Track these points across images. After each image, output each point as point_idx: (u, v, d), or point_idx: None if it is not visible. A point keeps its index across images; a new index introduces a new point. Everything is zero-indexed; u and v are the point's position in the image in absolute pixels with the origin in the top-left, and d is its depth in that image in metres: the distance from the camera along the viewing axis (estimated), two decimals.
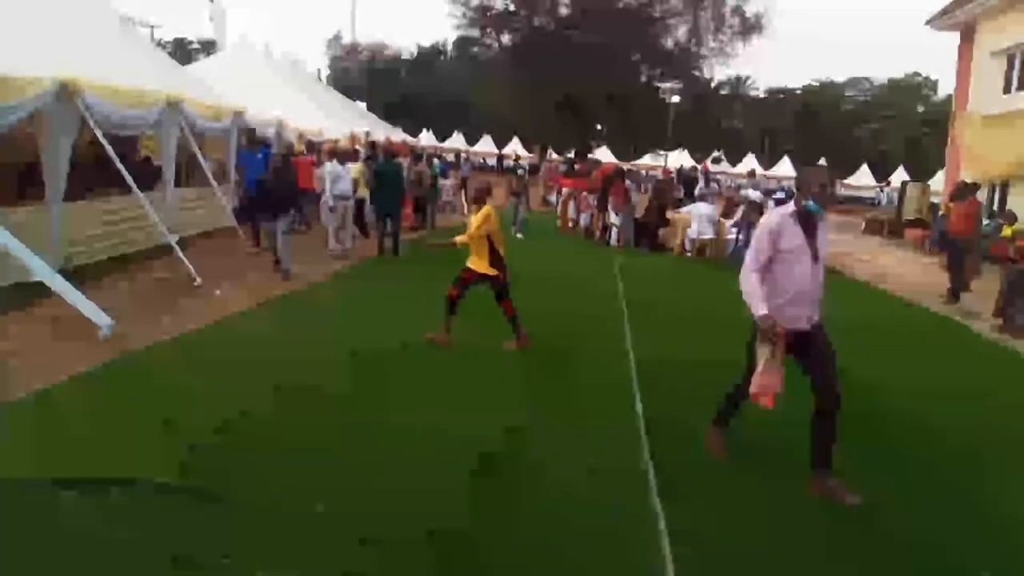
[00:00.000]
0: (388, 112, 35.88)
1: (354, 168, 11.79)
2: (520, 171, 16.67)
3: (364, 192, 11.99)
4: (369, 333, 6.69)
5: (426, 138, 44.75)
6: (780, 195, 14.98)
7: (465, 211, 15.05)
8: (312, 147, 13.90)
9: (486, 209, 6.38)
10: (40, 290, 6.38)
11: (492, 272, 6.37)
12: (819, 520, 3.72)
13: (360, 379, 5.41)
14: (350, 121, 20.82)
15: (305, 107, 17.53)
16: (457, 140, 49.18)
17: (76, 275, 7.21)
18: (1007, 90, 16.96)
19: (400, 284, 9.35)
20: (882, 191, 42.25)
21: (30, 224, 7.25)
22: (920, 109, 54.00)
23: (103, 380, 5.04)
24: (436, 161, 18.86)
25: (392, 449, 4.22)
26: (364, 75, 53.62)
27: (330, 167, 11.12)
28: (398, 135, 25.22)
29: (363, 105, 27.78)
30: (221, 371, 5.40)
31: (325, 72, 54.83)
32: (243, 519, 3.33)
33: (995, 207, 16.36)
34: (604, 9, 35.39)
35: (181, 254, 8.48)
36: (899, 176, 39.87)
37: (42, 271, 6.13)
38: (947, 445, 4.89)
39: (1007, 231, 13.46)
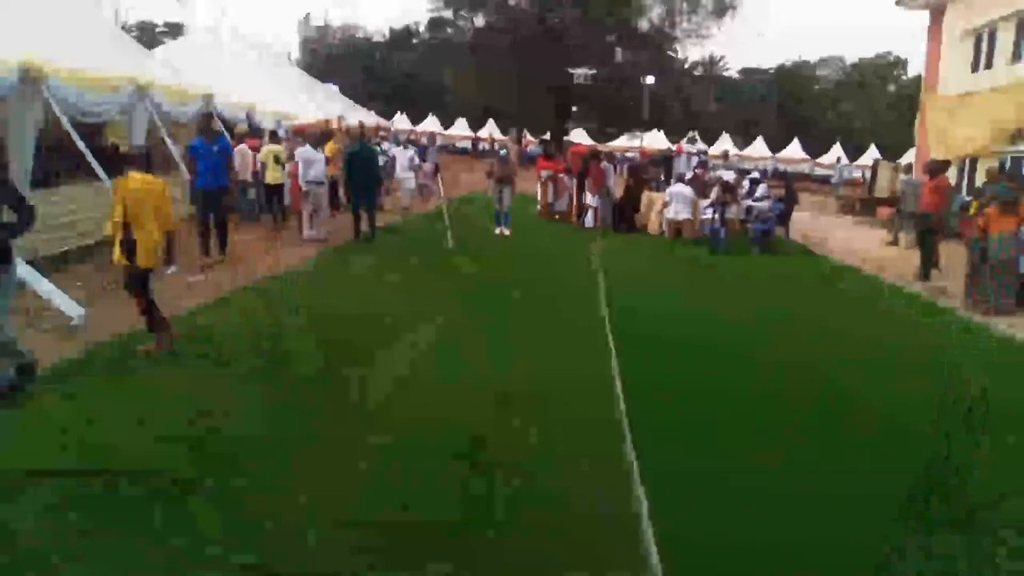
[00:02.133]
0: (360, 95, 35.36)
1: (328, 148, 11.69)
2: (503, 152, 15.86)
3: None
4: (347, 316, 6.65)
5: (400, 121, 44.27)
6: (755, 175, 15.09)
7: (442, 195, 14.91)
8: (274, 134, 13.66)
9: (124, 182, 5.32)
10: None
11: (123, 261, 5.27)
12: (812, 513, 3.69)
13: (342, 365, 5.38)
14: (322, 104, 20.55)
15: (276, 91, 17.24)
16: (432, 123, 48.70)
17: (45, 265, 7.06)
18: (975, 68, 17.21)
19: (373, 270, 9.30)
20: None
21: None
22: (891, 88, 54.57)
23: (75, 372, 4.96)
24: (384, 144, 18.58)
25: (375, 434, 4.22)
26: (336, 57, 52.84)
27: (301, 151, 11.00)
28: (371, 118, 24.95)
29: (335, 88, 27.38)
30: (195, 360, 5.33)
31: (296, 55, 53.90)
32: (224, 508, 3.31)
33: (964, 185, 16.65)
34: None
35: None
36: (871, 155, 40.33)
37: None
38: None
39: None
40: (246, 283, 7.98)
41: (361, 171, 11.09)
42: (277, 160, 11.77)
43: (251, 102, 14.40)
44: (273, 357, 5.43)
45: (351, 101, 27.42)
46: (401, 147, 17.76)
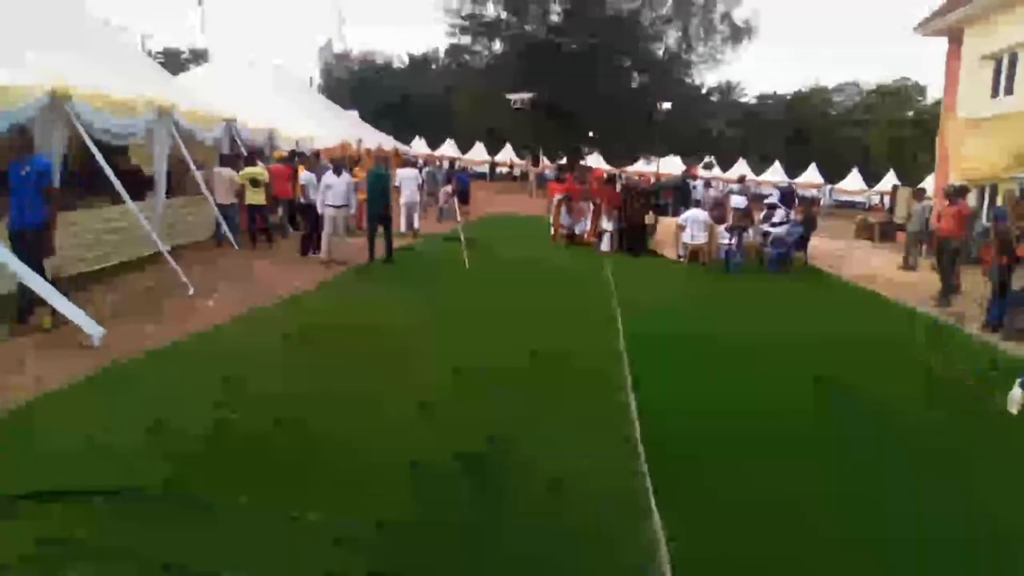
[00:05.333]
0: (380, 120, 35.82)
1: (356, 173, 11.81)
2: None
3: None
4: (358, 344, 6.67)
5: (418, 145, 44.77)
6: (773, 200, 15.05)
7: (458, 217, 15.03)
8: (294, 155, 13.87)
9: None
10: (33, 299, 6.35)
11: None
12: (820, 524, 3.71)
13: (353, 387, 5.39)
14: (341, 129, 20.82)
15: (296, 115, 17.52)
16: (450, 147, 49.19)
17: (67, 285, 7.16)
18: (995, 93, 17.10)
19: (386, 290, 9.34)
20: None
21: None
22: (909, 114, 54.35)
23: (92, 389, 5.00)
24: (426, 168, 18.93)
25: (378, 453, 4.20)
26: (356, 83, 53.67)
27: (324, 176, 11.15)
28: (389, 143, 25.23)
29: (355, 113, 27.79)
30: (210, 380, 5.35)
31: (317, 80, 54.80)
32: (231, 526, 3.30)
33: (984, 210, 16.47)
34: (594, 17, 35.54)
35: (173, 263, 8.45)
36: (889, 180, 40.13)
37: (33, 281, 6.07)
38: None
39: None
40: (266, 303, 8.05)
41: (377, 193, 11.38)
42: (255, 183, 11.94)
43: (271, 126, 14.67)
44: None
45: (370, 126, 27.77)
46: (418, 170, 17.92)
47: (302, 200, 12.30)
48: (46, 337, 6.11)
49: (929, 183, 21.52)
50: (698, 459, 4.43)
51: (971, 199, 14.01)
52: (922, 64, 72.54)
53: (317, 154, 12.80)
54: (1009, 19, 16.11)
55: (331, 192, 10.92)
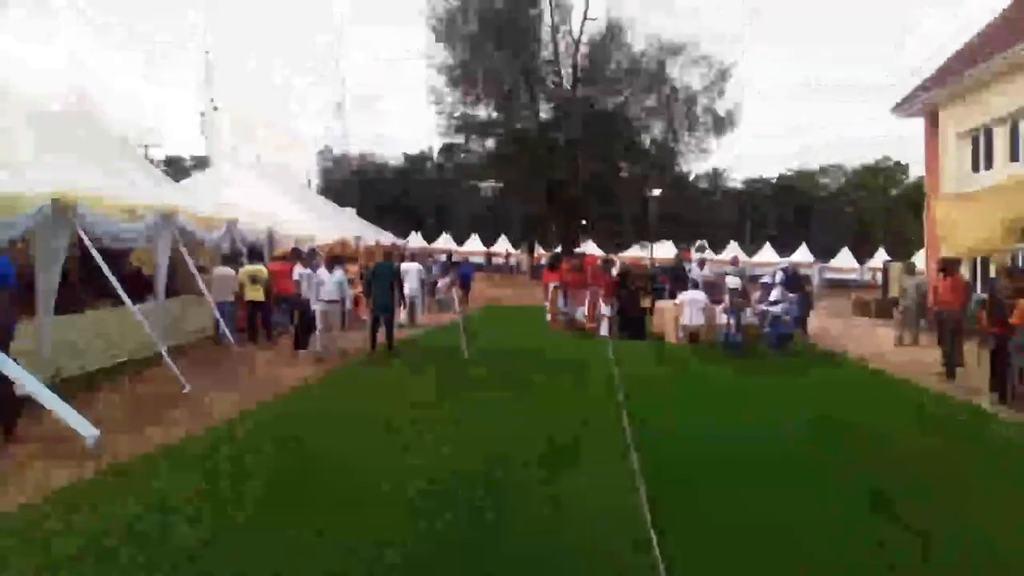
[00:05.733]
0: (378, 216, 36.65)
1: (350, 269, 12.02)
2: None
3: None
4: (361, 433, 6.54)
5: (415, 240, 45.57)
6: (767, 279, 15.16)
7: (456, 307, 15.08)
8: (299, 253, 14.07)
9: None
10: (31, 401, 6.26)
11: None
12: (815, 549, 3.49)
13: (354, 480, 5.24)
14: (340, 226, 21.23)
15: (295, 214, 17.91)
16: (445, 240, 50.07)
17: (66, 386, 7.10)
18: (975, 168, 17.61)
19: (384, 382, 9.25)
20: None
21: (21, 337, 7.17)
22: (894, 192, 55.81)
23: (88, 492, 4.86)
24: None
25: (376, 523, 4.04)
26: (354, 182, 55.21)
27: (318, 272, 11.25)
28: (387, 238, 25.67)
29: (352, 211, 28.46)
30: (208, 479, 5.22)
31: (316, 181, 56.36)
32: None
33: (977, 282, 16.60)
34: (583, 113, 36.97)
35: (171, 364, 8.41)
36: (880, 257, 40.70)
37: (28, 383, 6.02)
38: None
39: None
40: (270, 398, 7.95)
41: (382, 286, 11.68)
42: (254, 280, 12.16)
43: (271, 226, 14.96)
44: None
45: (367, 222, 28.36)
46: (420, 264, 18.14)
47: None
48: (46, 439, 5.98)
49: (920, 258, 21.82)
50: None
51: (964, 271, 14.16)
52: (903, 143, 75.91)
53: (313, 251, 13.00)
54: (982, 97, 16.81)
55: (323, 288, 11.04)
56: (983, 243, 16.04)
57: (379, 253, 17.45)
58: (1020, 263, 14.74)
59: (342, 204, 30.09)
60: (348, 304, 11.90)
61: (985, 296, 14.22)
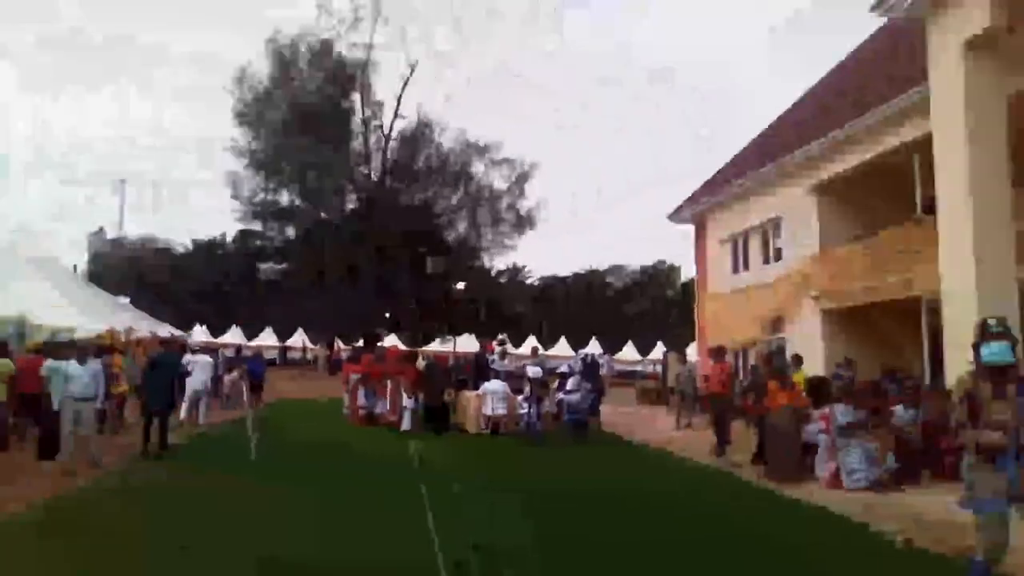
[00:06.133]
0: (158, 307, 33.24)
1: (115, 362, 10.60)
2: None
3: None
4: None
5: (199, 333, 41.84)
6: (564, 369, 15.84)
7: (246, 405, 13.80)
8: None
9: None
10: None
11: None
12: None
13: None
14: (109, 316, 18.93)
15: (54, 303, 15.71)
16: (235, 334, 46.48)
17: None
18: (735, 270, 20.16)
19: (147, 503, 8.06)
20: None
21: None
22: (669, 293, 62.32)
23: None
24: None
25: None
26: (132, 270, 50.16)
27: (64, 365, 9.48)
28: (164, 330, 23.30)
29: (126, 300, 25.64)
30: None
31: (82, 267, 50.32)
32: None
33: (740, 368, 18.65)
34: (390, 206, 37.35)
35: None
36: (659, 349, 44.55)
37: None
38: None
39: (799, 376, 13.80)
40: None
41: (161, 378, 10.77)
42: None
43: (21, 316, 13.01)
44: None
45: (144, 313, 25.62)
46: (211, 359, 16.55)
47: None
48: None
49: (692, 350, 24.22)
50: None
51: (729, 358, 15.85)
52: (676, 247, 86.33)
53: (72, 343, 11.13)
54: (740, 209, 19.52)
55: (73, 384, 9.26)
56: (742, 335, 18.30)
57: (152, 346, 15.76)
58: (773, 351, 16.75)
59: (116, 292, 27.08)
60: (99, 402, 9.96)
61: (747, 380, 16.02)
